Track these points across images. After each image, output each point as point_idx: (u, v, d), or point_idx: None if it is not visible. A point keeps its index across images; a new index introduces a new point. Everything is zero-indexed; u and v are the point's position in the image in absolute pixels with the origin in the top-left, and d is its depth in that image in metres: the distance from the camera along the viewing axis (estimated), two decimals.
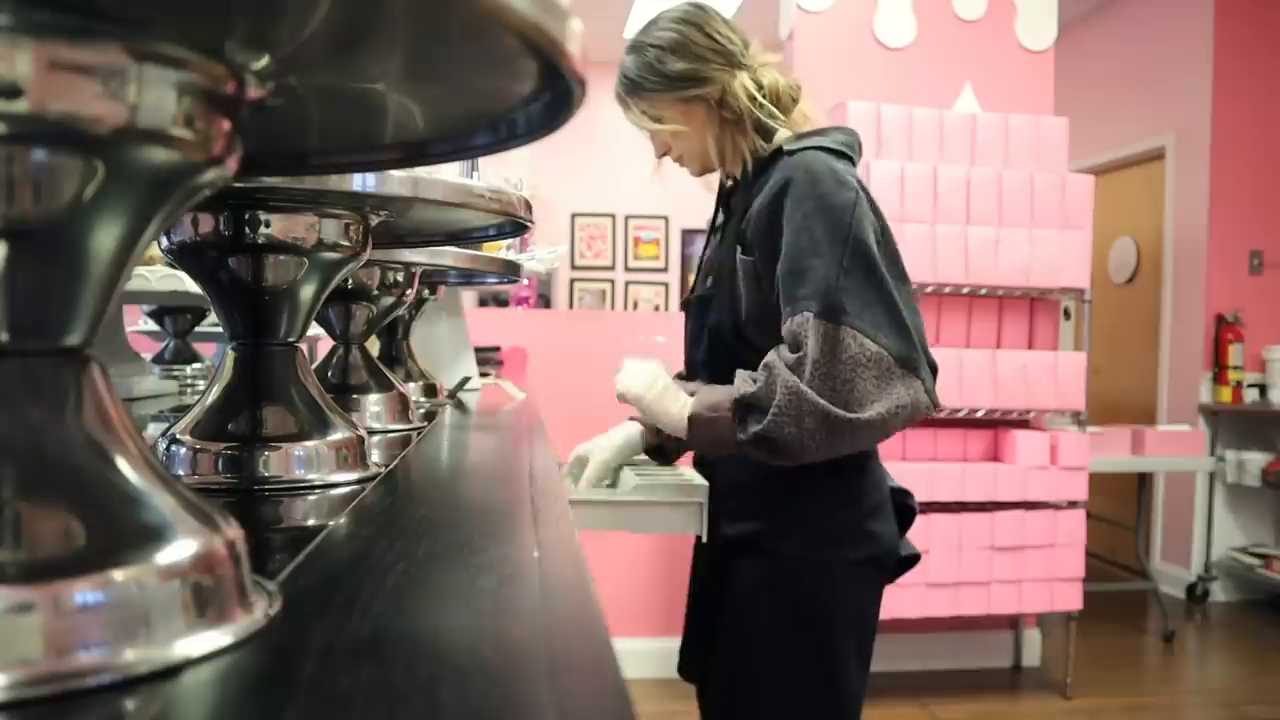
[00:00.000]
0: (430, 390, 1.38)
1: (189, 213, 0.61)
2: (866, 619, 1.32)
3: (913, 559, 1.36)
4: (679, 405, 1.28)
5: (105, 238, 0.31)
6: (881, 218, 1.26)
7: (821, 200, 1.19)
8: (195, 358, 1.73)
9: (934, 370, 1.24)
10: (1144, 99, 4.81)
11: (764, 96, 1.30)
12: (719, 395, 1.25)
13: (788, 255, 1.20)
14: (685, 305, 1.47)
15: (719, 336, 1.33)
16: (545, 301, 5.92)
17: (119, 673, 0.27)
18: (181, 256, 0.64)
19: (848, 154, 1.27)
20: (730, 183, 1.42)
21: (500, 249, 1.60)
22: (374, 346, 1.35)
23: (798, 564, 1.28)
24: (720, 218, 1.44)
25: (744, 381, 1.22)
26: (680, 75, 1.30)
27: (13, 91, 0.26)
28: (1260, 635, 3.96)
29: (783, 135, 1.32)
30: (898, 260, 1.26)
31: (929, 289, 2.96)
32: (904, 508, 1.37)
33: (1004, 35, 3.34)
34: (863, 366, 1.15)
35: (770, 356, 1.21)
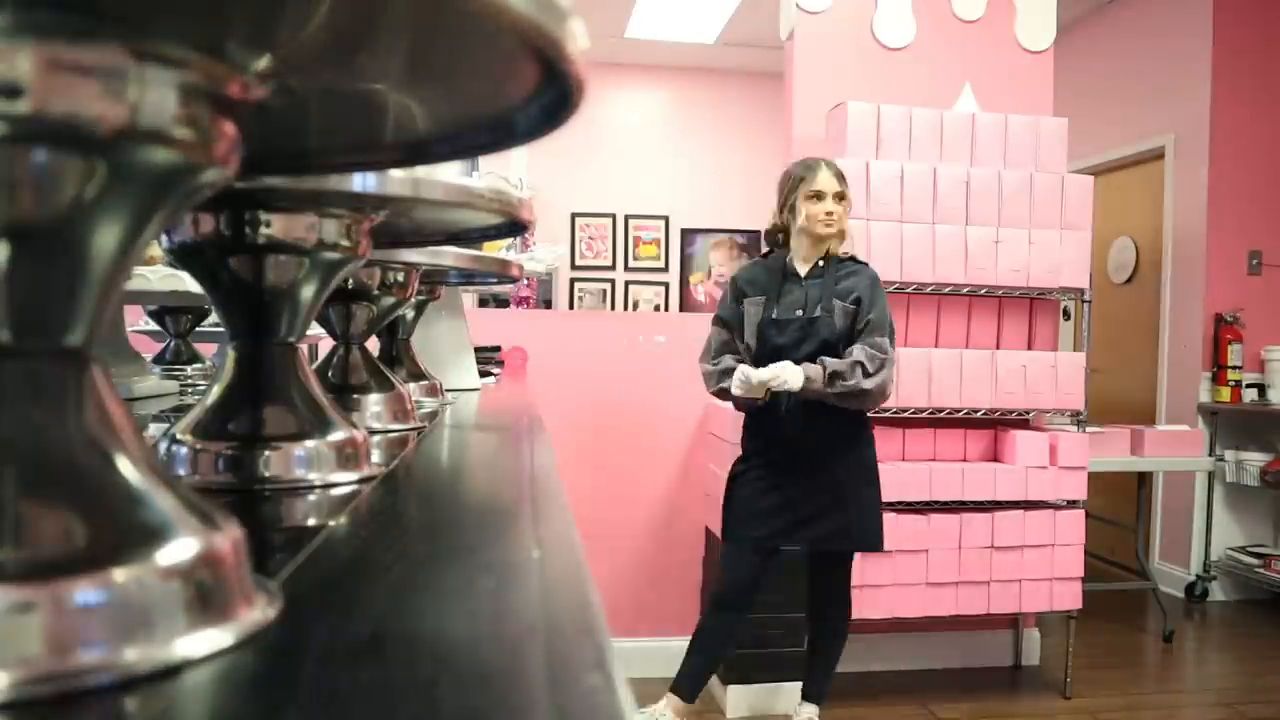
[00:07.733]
0: (430, 390, 1.38)
1: (189, 213, 0.61)
2: None
3: None
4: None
5: (106, 238, 0.31)
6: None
7: None
8: (196, 358, 1.73)
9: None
10: (1143, 99, 4.81)
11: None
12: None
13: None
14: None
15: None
16: (545, 302, 5.92)
17: (119, 672, 0.27)
18: (182, 256, 0.64)
19: None
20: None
21: (500, 249, 1.60)
22: (374, 346, 1.35)
23: None
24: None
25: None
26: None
27: (13, 91, 0.26)
28: (1259, 635, 3.96)
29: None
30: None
31: (929, 289, 2.96)
32: None
33: (1003, 35, 3.34)
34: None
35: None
